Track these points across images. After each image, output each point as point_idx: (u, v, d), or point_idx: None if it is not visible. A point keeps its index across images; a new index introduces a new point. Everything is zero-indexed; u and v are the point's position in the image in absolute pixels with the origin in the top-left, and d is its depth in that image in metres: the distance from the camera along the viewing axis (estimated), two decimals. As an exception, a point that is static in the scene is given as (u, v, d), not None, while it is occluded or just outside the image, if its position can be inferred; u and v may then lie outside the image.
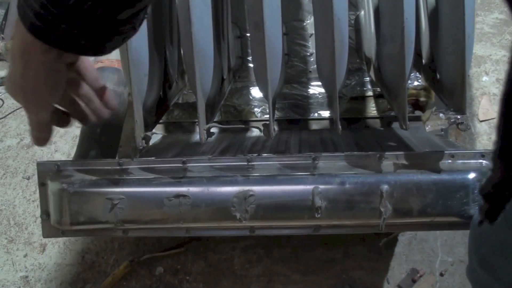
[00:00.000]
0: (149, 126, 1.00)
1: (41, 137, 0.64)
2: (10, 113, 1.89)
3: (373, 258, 1.54)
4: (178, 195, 0.84)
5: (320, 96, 1.44)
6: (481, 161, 0.85)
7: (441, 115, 0.90)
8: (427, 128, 0.89)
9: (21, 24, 0.52)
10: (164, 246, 1.60)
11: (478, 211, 0.71)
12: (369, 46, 1.26)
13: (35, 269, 1.64)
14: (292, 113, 1.45)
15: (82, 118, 0.67)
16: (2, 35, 1.92)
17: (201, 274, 1.56)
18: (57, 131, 1.82)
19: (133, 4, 0.50)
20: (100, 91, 0.66)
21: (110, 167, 0.91)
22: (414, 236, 1.55)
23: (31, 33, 0.51)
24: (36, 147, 1.81)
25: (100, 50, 0.54)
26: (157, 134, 1.42)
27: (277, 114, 1.44)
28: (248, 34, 1.40)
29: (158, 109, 1.08)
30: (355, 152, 0.89)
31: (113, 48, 0.55)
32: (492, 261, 0.66)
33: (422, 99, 1.36)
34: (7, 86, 0.60)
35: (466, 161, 0.86)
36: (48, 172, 0.91)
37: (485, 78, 1.71)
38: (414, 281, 1.50)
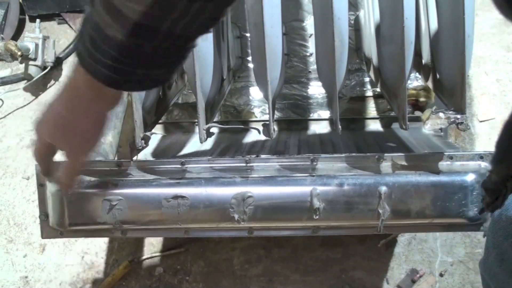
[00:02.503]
0: (148, 126, 1.00)
1: (72, 183, 0.66)
2: (9, 113, 1.89)
3: (373, 258, 1.54)
4: (176, 196, 0.84)
5: (319, 97, 1.44)
6: (479, 162, 0.85)
7: (440, 114, 0.91)
8: (426, 127, 0.89)
9: (86, 76, 0.53)
10: (163, 246, 1.60)
11: (481, 201, 0.73)
12: (369, 46, 1.26)
13: (35, 269, 1.64)
14: (292, 114, 1.45)
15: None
16: (2, 35, 1.92)
17: (201, 274, 1.57)
18: (57, 131, 1.82)
19: (208, 29, 0.51)
20: None
21: (108, 168, 0.91)
22: (414, 236, 1.55)
23: (108, 85, 0.52)
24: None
25: (169, 79, 0.56)
26: (157, 134, 1.42)
27: (277, 114, 1.44)
28: (248, 34, 1.40)
29: (157, 109, 1.08)
30: (354, 154, 0.89)
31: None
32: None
33: (421, 99, 1.36)
34: (45, 129, 0.61)
35: (464, 162, 0.86)
36: (47, 172, 0.91)
37: (484, 78, 1.70)
38: (413, 281, 1.50)
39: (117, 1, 0.46)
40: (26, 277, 1.63)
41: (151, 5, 0.45)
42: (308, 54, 1.46)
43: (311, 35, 1.45)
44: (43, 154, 0.64)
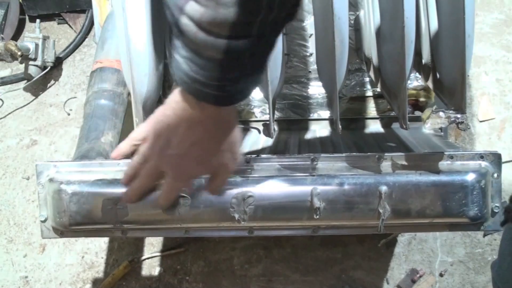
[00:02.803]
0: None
1: (171, 203, 0.68)
2: (9, 113, 1.89)
3: (373, 258, 1.54)
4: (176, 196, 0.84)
5: (320, 97, 1.44)
6: (480, 162, 0.85)
7: (441, 113, 0.91)
8: (426, 127, 0.89)
9: (197, 103, 0.54)
10: (163, 246, 1.60)
11: (504, 212, 0.74)
12: (369, 46, 1.26)
13: (35, 269, 1.64)
14: (292, 114, 1.44)
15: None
16: (2, 35, 1.92)
17: (201, 274, 1.57)
18: (57, 131, 1.82)
19: (294, 16, 0.52)
20: None
21: (109, 168, 0.91)
22: (414, 236, 1.55)
23: (221, 105, 0.54)
24: (36, 147, 1.81)
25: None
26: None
27: (277, 114, 1.44)
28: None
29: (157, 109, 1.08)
30: (354, 153, 0.89)
31: None
32: None
33: (421, 99, 1.36)
34: (159, 158, 0.61)
35: (465, 162, 0.86)
36: (47, 172, 0.91)
37: (484, 78, 1.71)
38: (413, 281, 1.50)
39: (205, 24, 0.46)
40: (26, 277, 1.63)
41: (236, 15, 0.45)
42: (308, 54, 1.46)
43: (311, 35, 1.45)
44: (153, 180, 0.64)
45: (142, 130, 0.65)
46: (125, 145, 0.69)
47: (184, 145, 0.58)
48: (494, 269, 0.85)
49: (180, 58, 0.52)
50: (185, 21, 0.48)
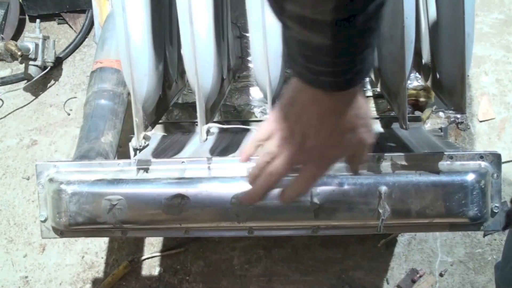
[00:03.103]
0: (148, 126, 1.00)
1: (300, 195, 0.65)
2: (9, 113, 1.89)
3: (373, 258, 1.54)
4: (177, 196, 0.84)
5: (319, 96, 1.44)
6: (480, 162, 0.85)
7: (441, 113, 0.91)
8: (426, 126, 0.89)
9: (317, 93, 0.54)
10: (163, 246, 1.60)
11: (505, 217, 0.74)
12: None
13: (35, 269, 1.64)
14: (292, 113, 1.44)
15: None
16: (2, 35, 1.92)
17: (201, 274, 1.57)
18: (57, 131, 1.82)
19: None
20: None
21: (108, 168, 0.91)
22: (414, 236, 1.55)
23: (338, 90, 0.54)
24: (36, 147, 1.81)
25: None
26: (157, 134, 1.42)
27: (277, 114, 1.44)
28: (248, 34, 1.40)
29: (157, 109, 1.08)
30: (354, 153, 0.89)
31: None
32: None
33: (421, 99, 1.36)
34: (299, 152, 0.60)
35: (465, 162, 0.86)
36: (47, 172, 0.91)
37: (484, 78, 1.71)
38: (413, 281, 1.50)
39: (308, 12, 0.46)
40: (26, 277, 1.63)
41: None
42: (308, 54, 1.46)
43: (311, 35, 1.45)
44: (281, 177, 0.63)
45: (266, 129, 0.64)
46: (251, 146, 0.68)
47: (322, 134, 0.58)
48: (497, 271, 0.85)
49: (292, 51, 0.53)
50: (287, 19, 0.49)
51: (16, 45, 1.73)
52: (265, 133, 0.64)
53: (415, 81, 1.38)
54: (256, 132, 0.66)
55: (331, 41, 0.48)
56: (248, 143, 0.68)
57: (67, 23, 2.00)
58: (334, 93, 0.54)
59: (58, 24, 2.02)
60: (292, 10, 0.47)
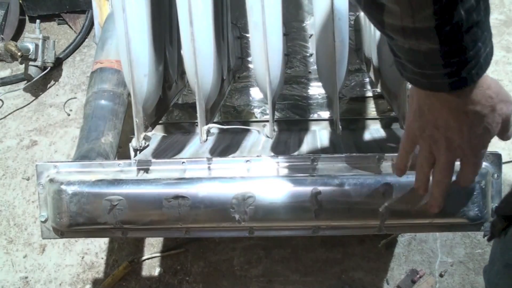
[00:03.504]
0: (148, 126, 1.00)
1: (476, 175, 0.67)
2: (9, 114, 1.89)
3: (373, 258, 1.54)
4: (177, 196, 0.84)
5: (320, 97, 1.44)
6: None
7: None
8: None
9: (438, 96, 0.56)
10: (163, 246, 1.60)
11: (490, 227, 0.76)
12: (369, 47, 1.26)
13: (35, 270, 1.64)
14: (292, 114, 1.45)
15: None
16: (2, 36, 1.92)
17: (201, 275, 1.56)
18: (57, 132, 1.82)
19: None
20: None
21: (109, 168, 0.91)
22: (414, 237, 1.55)
23: (457, 89, 0.54)
24: (36, 148, 1.81)
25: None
26: (157, 134, 1.42)
27: (277, 114, 1.44)
28: (248, 35, 1.40)
29: (157, 109, 1.08)
30: (354, 154, 0.89)
31: None
32: None
33: (422, 99, 1.36)
34: (452, 154, 0.62)
35: (465, 162, 0.86)
36: (47, 173, 0.91)
37: (485, 78, 1.71)
38: (413, 282, 1.50)
39: (408, 22, 0.47)
40: (26, 277, 1.63)
41: (434, 3, 0.45)
42: (308, 54, 1.46)
43: (311, 35, 1.45)
44: (451, 176, 0.67)
45: (407, 143, 0.69)
46: (403, 158, 0.72)
47: (464, 130, 0.59)
48: (485, 274, 0.86)
49: (402, 60, 0.54)
50: (389, 29, 0.50)
51: (16, 45, 1.73)
52: (410, 145, 0.68)
53: (415, 81, 1.38)
54: (401, 145, 0.70)
55: (439, 44, 0.49)
56: (397, 159, 0.73)
57: (67, 23, 2.00)
58: (457, 92, 0.55)
59: (58, 24, 2.02)
60: (393, 22, 0.48)
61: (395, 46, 0.54)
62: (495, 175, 0.85)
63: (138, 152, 0.98)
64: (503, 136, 0.65)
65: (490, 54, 0.55)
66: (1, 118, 1.88)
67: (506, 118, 0.61)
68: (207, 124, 0.96)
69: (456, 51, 0.51)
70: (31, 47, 1.78)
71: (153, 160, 0.92)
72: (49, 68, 1.85)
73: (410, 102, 0.63)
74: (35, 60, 1.81)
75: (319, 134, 1.34)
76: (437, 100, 0.57)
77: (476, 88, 0.56)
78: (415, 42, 0.50)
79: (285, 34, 1.34)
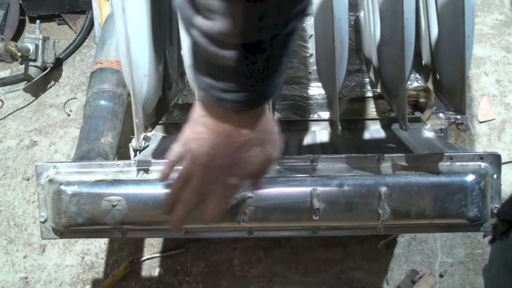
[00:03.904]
0: (148, 127, 1.00)
1: (221, 212, 0.64)
2: (9, 114, 1.89)
3: (373, 259, 1.54)
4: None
5: (320, 97, 1.44)
6: (479, 163, 0.85)
7: (441, 114, 0.90)
8: (426, 127, 0.89)
9: (219, 111, 0.55)
10: (163, 247, 1.60)
11: (492, 230, 0.76)
12: (369, 47, 1.26)
13: (35, 270, 1.64)
14: (292, 114, 1.45)
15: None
16: (2, 36, 1.92)
17: (201, 275, 1.56)
18: (57, 132, 1.82)
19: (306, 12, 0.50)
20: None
21: (108, 169, 0.91)
22: (414, 237, 1.55)
23: (249, 109, 0.54)
24: (36, 148, 1.81)
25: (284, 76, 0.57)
26: (157, 135, 1.42)
27: (277, 115, 1.44)
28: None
29: (157, 110, 1.08)
30: (354, 154, 0.89)
31: None
32: None
33: (421, 100, 1.36)
34: (206, 174, 0.60)
35: (464, 163, 0.86)
36: (46, 173, 0.91)
37: (484, 79, 1.71)
38: (413, 282, 1.50)
39: (216, 32, 0.46)
40: (26, 278, 1.63)
41: (244, 24, 0.44)
42: (308, 55, 1.46)
43: (311, 36, 1.45)
44: (199, 199, 0.63)
45: (176, 151, 0.66)
46: (167, 168, 0.69)
47: (230, 152, 0.58)
48: (484, 274, 0.86)
49: (199, 66, 0.52)
50: (195, 33, 0.48)
51: (16, 45, 1.73)
52: (175, 155, 0.65)
53: (415, 82, 1.38)
54: (170, 154, 0.66)
55: (236, 63, 0.48)
56: (164, 166, 0.69)
57: (67, 24, 2.00)
58: (240, 112, 0.54)
59: (58, 25, 2.02)
60: (201, 26, 0.46)
61: (197, 51, 0.51)
62: (495, 176, 0.85)
63: (137, 152, 0.98)
64: (257, 181, 0.65)
65: (277, 88, 0.54)
66: (1, 119, 1.88)
67: (268, 160, 0.61)
68: (206, 124, 0.96)
69: (251, 75, 0.50)
70: (31, 47, 1.78)
71: (153, 160, 0.92)
72: (49, 68, 1.85)
73: (192, 113, 0.59)
74: (35, 60, 1.81)
75: (319, 135, 1.34)
76: (217, 115, 0.55)
77: (259, 114, 0.56)
78: (215, 53, 0.48)
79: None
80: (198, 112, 0.58)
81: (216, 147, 0.57)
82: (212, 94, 0.53)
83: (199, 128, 0.58)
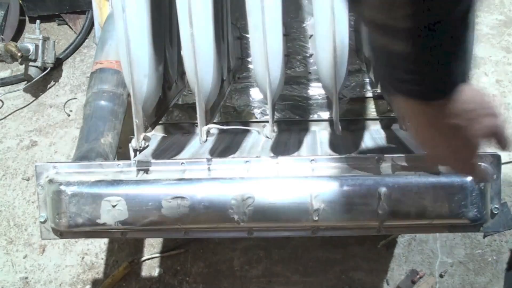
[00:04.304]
0: (148, 127, 1.00)
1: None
2: (9, 114, 1.89)
3: (373, 259, 1.54)
4: (176, 197, 0.84)
5: (320, 98, 1.44)
6: (479, 163, 0.85)
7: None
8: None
9: (413, 104, 0.53)
10: (163, 247, 1.60)
11: (508, 259, 0.75)
12: (369, 47, 1.26)
13: (35, 270, 1.64)
14: (292, 114, 1.45)
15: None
16: (2, 36, 1.92)
17: (201, 275, 1.56)
18: (57, 132, 1.82)
19: None
20: None
21: (108, 169, 0.91)
22: (414, 237, 1.55)
23: (432, 99, 0.52)
24: (36, 148, 1.81)
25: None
26: (157, 135, 1.42)
27: (277, 115, 1.44)
28: (248, 35, 1.40)
29: (157, 110, 1.08)
30: (354, 154, 0.89)
31: None
32: None
33: (421, 100, 1.36)
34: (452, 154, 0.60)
35: (464, 163, 0.86)
36: (46, 173, 0.91)
37: (484, 79, 1.71)
38: (413, 282, 1.50)
39: (385, 18, 0.44)
40: (26, 278, 1.63)
41: (413, 3, 0.42)
42: (308, 55, 1.46)
43: (311, 36, 1.45)
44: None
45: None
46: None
47: (457, 132, 0.57)
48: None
49: (380, 61, 0.51)
50: (367, 21, 0.47)
51: (16, 46, 1.73)
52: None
53: (415, 82, 1.38)
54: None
55: (412, 48, 0.46)
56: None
57: (67, 24, 2.00)
58: (431, 103, 0.52)
59: (58, 25, 2.02)
60: (370, 16, 0.46)
61: (375, 44, 0.50)
62: (494, 176, 0.85)
63: (137, 152, 0.98)
64: (502, 147, 0.64)
65: (463, 77, 0.53)
66: (1, 119, 1.88)
67: (491, 130, 0.60)
68: (207, 124, 0.96)
69: (430, 62, 0.48)
70: (31, 47, 1.78)
71: (153, 160, 0.92)
72: (49, 68, 1.85)
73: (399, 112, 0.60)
74: (35, 60, 1.81)
75: (319, 135, 1.34)
76: (415, 108, 0.55)
77: (452, 101, 0.54)
78: (389, 41, 0.47)
79: (285, 35, 1.34)
80: (405, 110, 0.56)
81: (438, 135, 0.57)
82: (395, 86, 0.51)
83: (427, 134, 0.58)
